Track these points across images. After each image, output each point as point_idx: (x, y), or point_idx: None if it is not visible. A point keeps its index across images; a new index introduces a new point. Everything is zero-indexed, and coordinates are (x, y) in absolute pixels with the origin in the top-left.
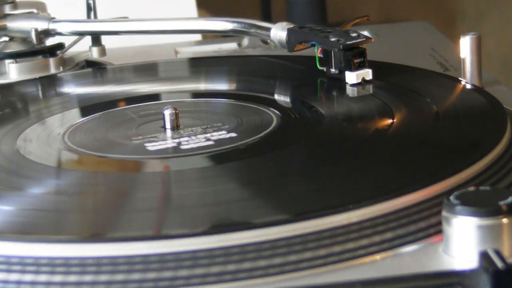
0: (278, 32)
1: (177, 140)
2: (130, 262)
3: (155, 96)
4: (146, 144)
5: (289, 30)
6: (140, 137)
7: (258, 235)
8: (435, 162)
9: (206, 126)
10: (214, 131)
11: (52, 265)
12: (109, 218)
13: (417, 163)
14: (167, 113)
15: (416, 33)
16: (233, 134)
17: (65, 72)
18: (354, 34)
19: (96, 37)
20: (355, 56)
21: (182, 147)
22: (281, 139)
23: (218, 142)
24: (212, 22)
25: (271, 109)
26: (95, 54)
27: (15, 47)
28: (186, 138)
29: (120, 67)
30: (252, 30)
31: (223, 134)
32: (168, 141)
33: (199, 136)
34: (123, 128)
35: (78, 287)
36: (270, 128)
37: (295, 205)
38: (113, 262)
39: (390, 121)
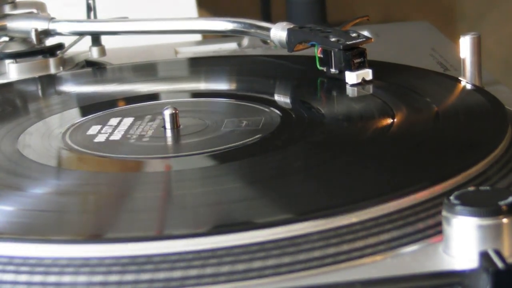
0: (278, 32)
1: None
2: (130, 262)
3: (155, 96)
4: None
5: (289, 30)
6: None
7: (258, 235)
8: (435, 162)
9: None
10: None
11: (52, 265)
12: (110, 218)
13: (417, 163)
14: (167, 113)
15: (416, 33)
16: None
17: (65, 72)
18: (354, 34)
19: (96, 37)
20: (355, 56)
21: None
22: (282, 139)
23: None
24: (212, 22)
25: (272, 108)
26: (95, 54)
27: (15, 47)
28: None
29: (120, 67)
30: (252, 30)
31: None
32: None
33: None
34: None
35: (78, 287)
36: (271, 128)
37: (295, 206)
38: (113, 263)
39: (390, 121)
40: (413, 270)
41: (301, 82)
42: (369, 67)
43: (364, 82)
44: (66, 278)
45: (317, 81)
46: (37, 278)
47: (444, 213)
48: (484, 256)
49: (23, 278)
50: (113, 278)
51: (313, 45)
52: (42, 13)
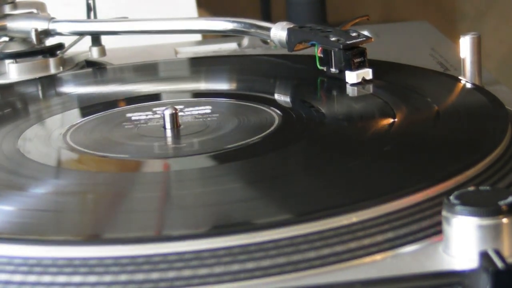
0: (278, 32)
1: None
2: (130, 263)
3: (155, 96)
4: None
5: (289, 30)
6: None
7: (258, 235)
8: (435, 162)
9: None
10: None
11: (52, 265)
12: (109, 218)
13: (417, 163)
14: (167, 113)
15: (416, 33)
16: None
17: (65, 72)
18: (354, 34)
19: (96, 37)
20: (355, 55)
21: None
22: (282, 139)
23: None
24: (212, 22)
25: (272, 108)
26: (95, 54)
27: (15, 47)
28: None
29: (120, 67)
30: (252, 30)
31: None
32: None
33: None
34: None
35: (78, 287)
36: (271, 128)
37: (295, 206)
38: (114, 263)
39: (390, 120)
40: (413, 270)
41: (301, 82)
42: (369, 67)
43: (364, 82)
44: (65, 278)
45: (317, 81)
46: (39, 278)
47: (444, 213)
48: (484, 256)
49: (22, 278)
50: (114, 278)
51: (313, 45)
52: (42, 13)
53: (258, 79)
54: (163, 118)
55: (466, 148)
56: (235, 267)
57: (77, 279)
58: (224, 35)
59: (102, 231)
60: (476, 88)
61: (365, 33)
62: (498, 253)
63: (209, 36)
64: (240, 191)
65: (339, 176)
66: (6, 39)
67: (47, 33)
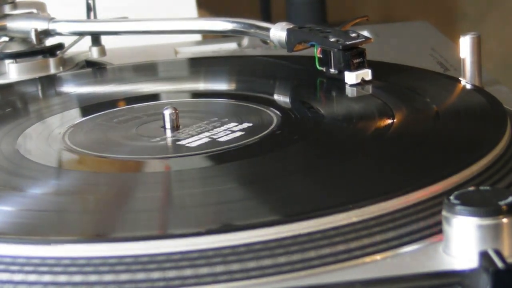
0: (278, 32)
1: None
2: (130, 262)
3: (155, 96)
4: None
5: (288, 30)
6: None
7: (258, 235)
8: (435, 162)
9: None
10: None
11: (51, 265)
12: (109, 218)
13: (417, 163)
14: (167, 113)
15: (416, 33)
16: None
17: (65, 72)
18: (353, 34)
19: (96, 37)
20: (354, 56)
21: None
22: (281, 139)
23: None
24: (212, 22)
25: (271, 109)
26: (95, 54)
27: (15, 47)
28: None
29: (120, 67)
30: (252, 30)
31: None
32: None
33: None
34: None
35: (79, 287)
36: (270, 128)
37: (295, 205)
38: (113, 263)
39: (390, 121)
40: (413, 270)
41: (301, 82)
42: (369, 67)
43: (363, 82)
44: (66, 278)
45: (317, 81)
46: (44, 278)
47: (444, 213)
48: (484, 256)
49: (25, 278)
50: (116, 277)
51: (312, 45)
52: (42, 13)
53: (258, 80)
54: (163, 118)
55: (465, 148)
56: (234, 266)
57: (90, 278)
58: (224, 35)
59: (102, 231)
60: (475, 88)
61: (365, 33)
62: (498, 253)
63: (209, 36)
64: (239, 191)
65: (338, 176)
66: (6, 39)
67: (47, 33)
